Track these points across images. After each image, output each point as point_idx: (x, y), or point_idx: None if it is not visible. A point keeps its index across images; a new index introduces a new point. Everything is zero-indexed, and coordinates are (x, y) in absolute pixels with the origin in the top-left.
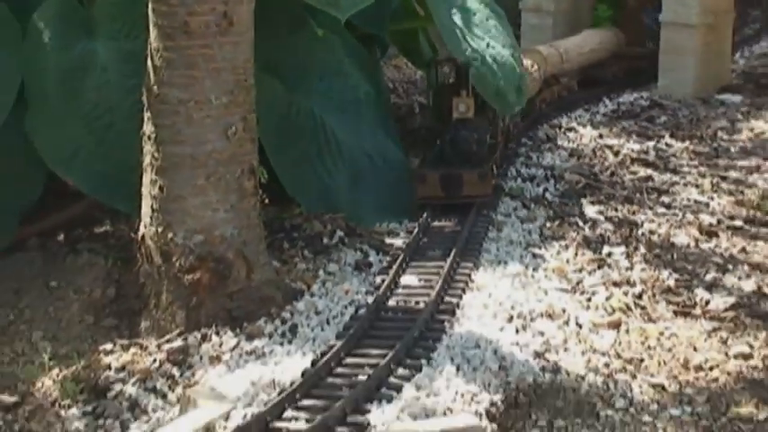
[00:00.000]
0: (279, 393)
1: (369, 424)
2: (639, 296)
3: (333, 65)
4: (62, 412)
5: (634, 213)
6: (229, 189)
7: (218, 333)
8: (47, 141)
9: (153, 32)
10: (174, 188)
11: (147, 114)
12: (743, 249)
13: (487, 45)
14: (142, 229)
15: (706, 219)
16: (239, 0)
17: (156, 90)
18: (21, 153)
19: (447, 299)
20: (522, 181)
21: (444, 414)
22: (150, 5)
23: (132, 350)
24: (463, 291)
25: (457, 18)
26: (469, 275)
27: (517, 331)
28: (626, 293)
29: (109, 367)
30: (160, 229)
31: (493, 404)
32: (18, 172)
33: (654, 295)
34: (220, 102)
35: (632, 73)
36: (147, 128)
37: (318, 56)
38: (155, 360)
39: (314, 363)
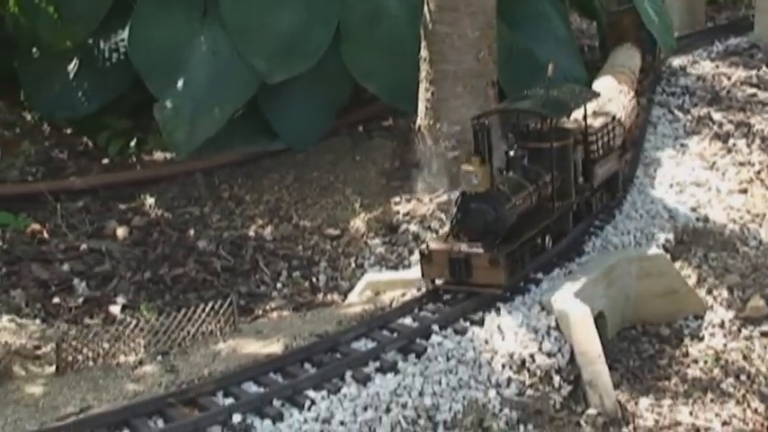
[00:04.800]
0: None
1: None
2: (758, 172)
3: (541, 13)
4: (368, 241)
5: (748, 118)
6: (478, 95)
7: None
8: (355, 62)
9: None
10: (440, 94)
11: (423, 43)
12: None
13: None
14: (418, 122)
15: None
16: None
17: (431, 27)
18: (337, 71)
19: (627, 172)
20: (666, 96)
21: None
22: None
23: (413, 202)
24: (636, 167)
25: None
26: (638, 157)
27: (677, 194)
28: (748, 170)
29: (398, 213)
30: (431, 122)
31: (667, 241)
32: (334, 83)
33: None
34: (474, 35)
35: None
36: (423, 53)
37: (531, 6)
38: (428, 209)
39: None
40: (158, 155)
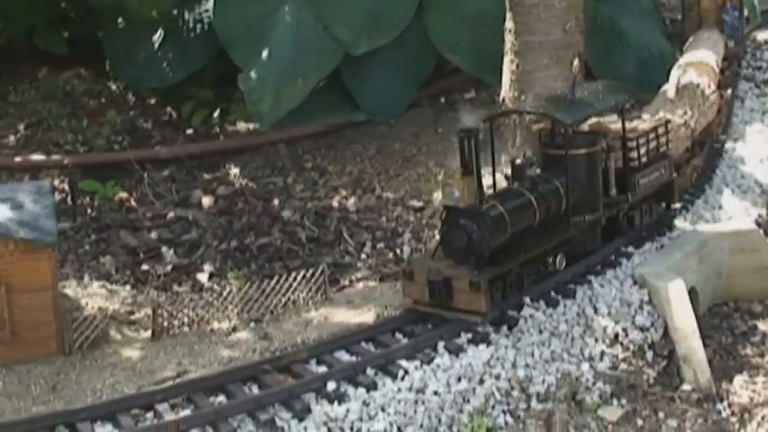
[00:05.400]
0: None
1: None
2: None
3: None
4: None
5: None
6: (564, 67)
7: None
8: (438, 33)
9: None
10: (526, 66)
11: (508, 15)
12: None
13: None
14: (503, 94)
15: None
16: None
17: None
18: (420, 43)
19: (716, 146)
20: (752, 70)
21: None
22: None
23: (497, 175)
24: (725, 141)
25: None
26: (727, 131)
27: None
28: None
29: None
30: (516, 94)
31: (759, 216)
32: (417, 55)
33: None
34: (561, 5)
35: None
36: (509, 24)
37: None
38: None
39: None
40: (241, 125)
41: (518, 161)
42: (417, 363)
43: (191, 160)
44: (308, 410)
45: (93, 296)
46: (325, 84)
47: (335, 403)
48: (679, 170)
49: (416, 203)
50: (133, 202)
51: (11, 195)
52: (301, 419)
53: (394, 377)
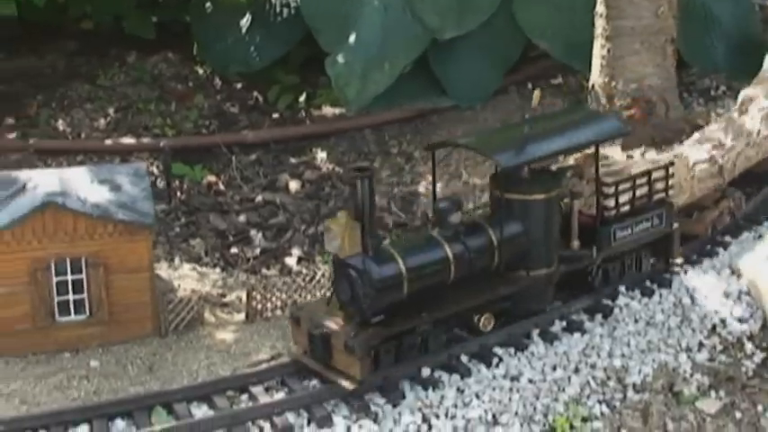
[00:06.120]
0: None
1: None
2: None
3: None
4: None
5: None
6: (656, 52)
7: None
8: (527, 19)
9: None
10: (617, 51)
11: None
12: None
13: None
14: (592, 80)
15: None
16: None
17: None
18: (507, 28)
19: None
20: None
21: None
22: None
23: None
24: None
25: None
26: None
27: None
28: None
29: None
30: (606, 80)
31: None
32: (505, 40)
33: None
34: None
35: None
36: (599, 9)
37: None
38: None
39: None
40: (327, 110)
41: (441, 204)
42: (512, 350)
43: (277, 144)
44: (403, 396)
45: (185, 278)
46: (412, 69)
47: (430, 389)
48: (703, 212)
49: None
50: (221, 186)
51: (109, 177)
52: (395, 405)
53: (488, 364)
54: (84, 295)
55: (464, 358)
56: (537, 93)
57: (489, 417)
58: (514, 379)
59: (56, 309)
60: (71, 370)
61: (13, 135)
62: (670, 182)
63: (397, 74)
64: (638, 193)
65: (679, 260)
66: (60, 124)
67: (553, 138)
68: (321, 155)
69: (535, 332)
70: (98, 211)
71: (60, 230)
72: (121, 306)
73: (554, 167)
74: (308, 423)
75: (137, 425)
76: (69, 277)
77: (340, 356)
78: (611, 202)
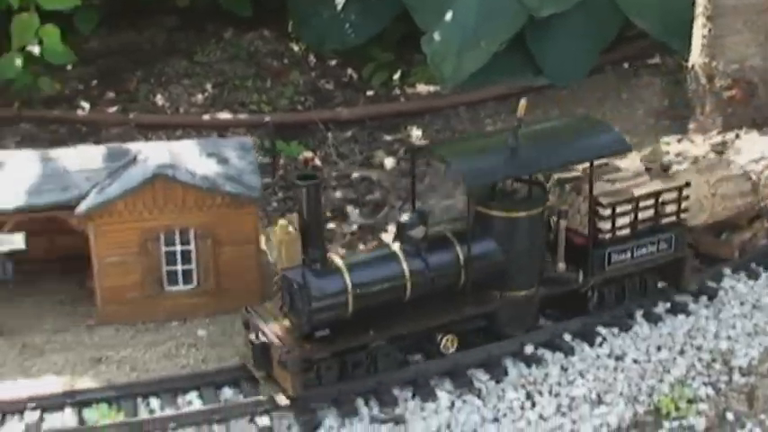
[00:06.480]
0: None
1: None
2: None
3: None
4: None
5: None
6: (759, 31)
7: (743, 134)
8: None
9: None
10: (718, 30)
11: None
12: None
13: None
14: (692, 60)
15: None
16: None
17: None
18: (605, 6)
19: None
20: None
21: None
22: None
23: (684, 143)
24: None
25: None
26: None
27: None
28: None
29: (668, 153)
30: (706, 60)
31: None
32: (602, 19)
33: None
34: None
35: None
36: None
37: None
38: (701, 150)
39: None
40: (421, 87)
41: (403, 217)
42: (615, 330)
43: (372, 121)
44: (505, 372)
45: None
46: (507, 47)
47: (533, 366)
48: (734, 232)
49: None
50: (318, 162)
51: (216, 150)
52: (498, 381)
53: (591, 343)
54: (193, 266)
55: (567, 337)
56: (523, 102)
57: (593, 395)
58: (619, 358)
59: (165, 278)
60: (179, 338)
61: (113, 109)
62: (683, 204)
63: (493, 51)
64: (642, 215)
65: (694, 287)
66: (159, 99)
67: (539, 152)
68: (416, 132)
69: (639, 313)
70: (207, 184)
71: (170, 202)
72: (228, 277)
73: (556, 177)
74: (413, 396)
75: (243, 393)
76: (178, 248)
77: (278, 369)
78: (607, 225)
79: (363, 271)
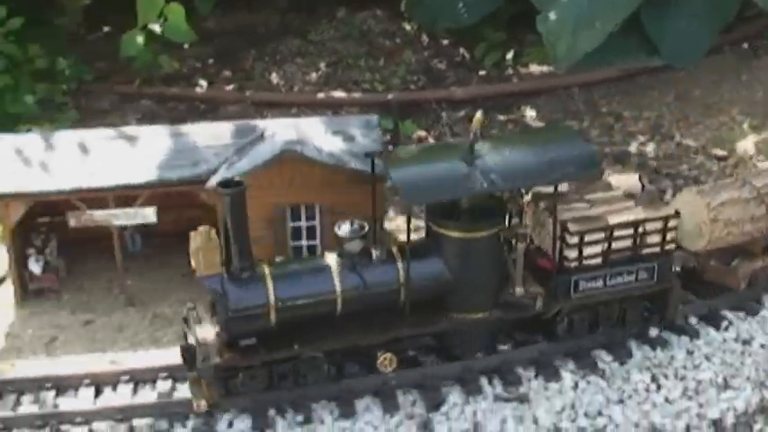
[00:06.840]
0: None
1: None
2: None
3: None
4: (758, 163)
5: None
6: None
7: None
8: None
9: None
10: None
11: None
12: None
13: None
14: None
15: None
16: None
17: None
18: None
19: None
20: None
21: None
22: None
23: None
24: None
25: None
26: None
27: None
28: None
29: None
30: None
31: None
32: (718, 1)
33: None
34: None
35: None
36: None
37: None
38: None
39: None
40: (534, 68)
41: (341, 230)
42: (742, 314)
43: (485, 101)
44: (630, 355)
45: (400, 232)
46: (622, 27)
47: (658, 349)
48: (746, 259)
49: (719, 152)
50: (431, 141)
51: (342, 128)
52: (623, 363)
53: (717, 327)
54: (317, 241)
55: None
56: (478, 115)
57: (720, 380)
58: (746, 343)
59: (290, 254)
60: None
61: (230, 87)
62: (670, 234)
63: (609, 31)
64: (618, 245)
65: (680, 320)
66: (274, 78)
67: (495, 172)
68: (530, 113)
69: (766, 297)
70: (333, 160)
71: (297, 178)
72: None
73: (531, 193)
74: (536, 376)
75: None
76: (303, 224)
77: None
78: (573, 253)
79: (290, 283)
